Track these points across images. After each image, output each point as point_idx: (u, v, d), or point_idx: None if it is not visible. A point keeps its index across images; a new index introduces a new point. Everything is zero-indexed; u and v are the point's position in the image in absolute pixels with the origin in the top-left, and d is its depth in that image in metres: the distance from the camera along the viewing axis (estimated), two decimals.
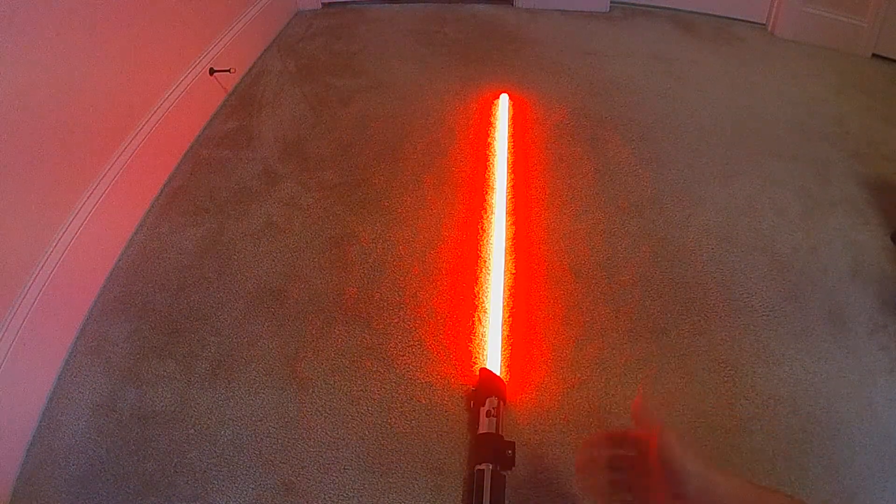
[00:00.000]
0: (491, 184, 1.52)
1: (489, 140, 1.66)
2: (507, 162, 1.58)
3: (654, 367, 1.15)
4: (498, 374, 1.11)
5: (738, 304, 1.27)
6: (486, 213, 1.45)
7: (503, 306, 1.24)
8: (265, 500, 0.97)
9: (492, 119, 1.73)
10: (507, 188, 1.51)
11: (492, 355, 1.15)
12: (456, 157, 1.61)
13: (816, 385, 1.13)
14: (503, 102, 1.76)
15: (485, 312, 1.23)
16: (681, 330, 1.22)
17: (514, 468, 0.97)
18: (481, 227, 1.41)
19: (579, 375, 1.14)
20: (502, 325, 1.21)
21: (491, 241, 1.37)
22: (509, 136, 1.67)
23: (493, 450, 0.96)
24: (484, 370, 1.10)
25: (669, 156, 1.63)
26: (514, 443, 0.99)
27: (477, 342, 1.18)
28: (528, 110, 1.78)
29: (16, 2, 1.01)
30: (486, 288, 1.28)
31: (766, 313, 1.25)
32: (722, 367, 1.16)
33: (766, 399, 1.11)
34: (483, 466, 0.94)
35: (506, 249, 1.35)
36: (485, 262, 1.33)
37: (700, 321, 1.23)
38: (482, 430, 1.00)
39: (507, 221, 1.41)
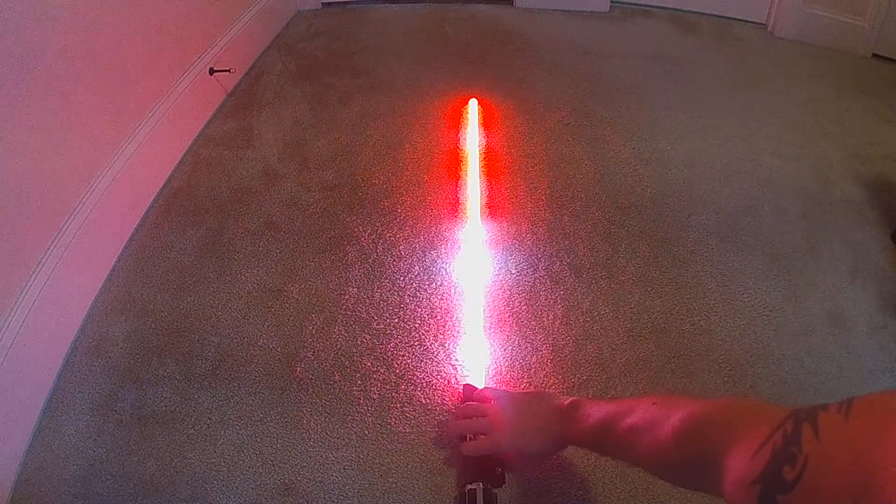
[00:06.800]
0: (491, 184, 1.52)
1: (489, 140, 1.66)
2: (508, 162, 1.58)
3: (653, 366, 1.15)
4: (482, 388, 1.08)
5: (738, 304, 1.27)
6: (486, 212, 1.45)
7: (485, 308, 1.24)
8: (265, 500, 0.97)
9: (491, 119, 1.73)
10: (508, 188, 1.51)
11: (476, 366, 1.12)
12: (456, 156, 1.61)
13: (816, 385, 1.13)
14: (472, 107, 1.75)
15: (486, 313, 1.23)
16: (681, 330, 1.22)
17: (504, 485, 0.93)
18: (482, 227, 1.41)
19: (579, 375, 1.14)
20: (485, 329, 1.20)
21: (490, 241, 1.37)
22: (509, 137, 1.67)
23: (481, 468, 0.93)
24: (468, 386, 1.08)
25: (669, 156, 1.63)
26: (503, 459, 0.95)
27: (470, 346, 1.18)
28: (529, 110, 1.78)
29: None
30: (489, 287, 1.28)
31: (766, 313, 1.25)
32: (722, 367, 1.16)
33: (766, 399, 1.11)
34: (474, 486, 0.91)
35: (506, 249, 1.35)
36: (486, 261, 1.33)
37: (700, 321, 1.23)
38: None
39: (507, 221, 1.41)
